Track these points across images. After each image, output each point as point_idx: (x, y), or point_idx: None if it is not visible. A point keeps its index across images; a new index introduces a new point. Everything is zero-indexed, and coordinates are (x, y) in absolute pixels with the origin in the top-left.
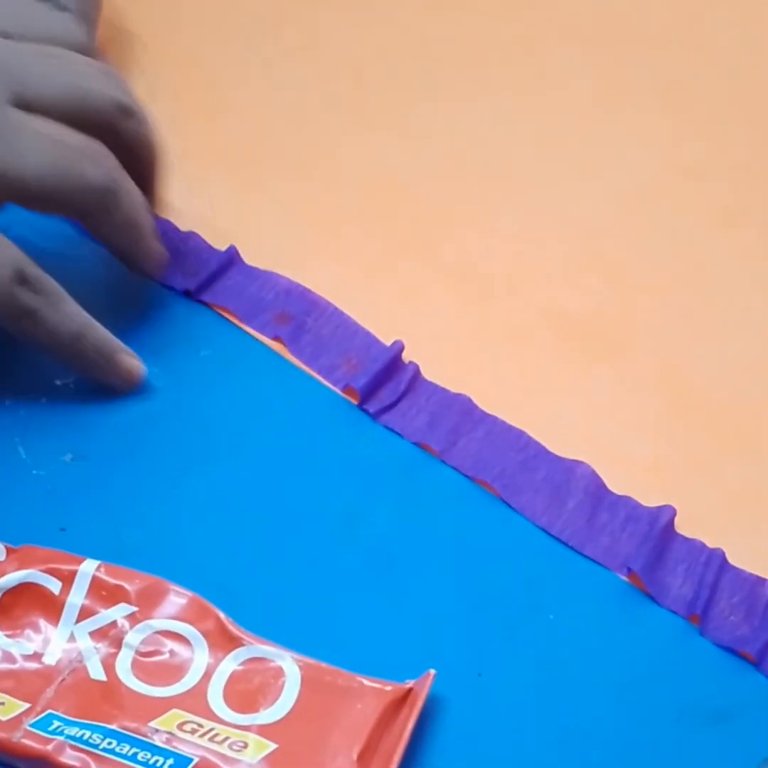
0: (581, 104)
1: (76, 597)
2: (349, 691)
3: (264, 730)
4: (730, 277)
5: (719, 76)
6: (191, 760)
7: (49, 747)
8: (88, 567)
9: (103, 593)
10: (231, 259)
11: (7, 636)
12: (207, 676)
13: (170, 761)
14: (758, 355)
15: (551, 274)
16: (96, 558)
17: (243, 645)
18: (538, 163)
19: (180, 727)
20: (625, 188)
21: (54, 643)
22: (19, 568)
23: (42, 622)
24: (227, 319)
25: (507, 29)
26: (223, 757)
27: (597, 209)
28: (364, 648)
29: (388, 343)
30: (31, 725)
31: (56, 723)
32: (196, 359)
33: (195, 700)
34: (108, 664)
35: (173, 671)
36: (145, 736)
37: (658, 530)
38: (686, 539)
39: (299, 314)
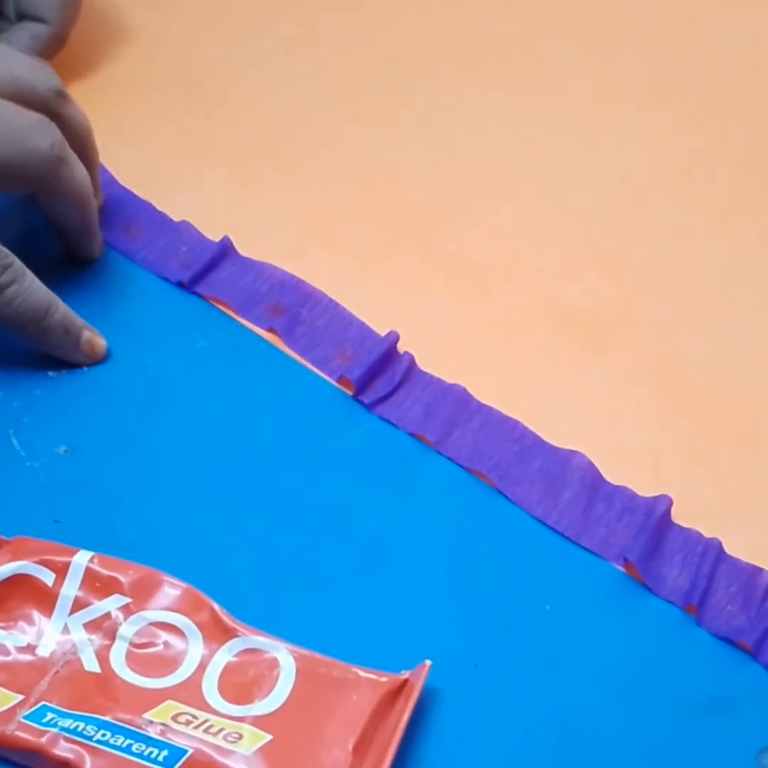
0: (579, 98)
1: (70, 589)
2: (344, 682)
3: (259, 722)
4: (726, 269)
5: (716, 71)
6: (186, 751)
7: (43, 739)
8: (82, 558)
9: (96, 585)
10: (225, 250)
11: (1, 628)
12: (201, 667)
13: (165, 753)
14: (754, 347)
15: (548, 266)
16: (90, 549)
17: (237, 636)
18: (536, 157)
19: (174, 718)
20: (622, 182)
21: (48, 635)
22: (12, 560)
23: (36, 614)
24: (222, 311)
25: (504, 23)
26: (217, 748)
27: (594, 202)
28: (359, 639)
29: (383, 334)
30: (25, 717)
31: (50, 715)
32: (191, 351)
33: (189, 692)
34: (102, 656)
35: (167, 663)
36: (140, 727)
37: (655, 520)
38: (683, 529)
39: (294, 306)
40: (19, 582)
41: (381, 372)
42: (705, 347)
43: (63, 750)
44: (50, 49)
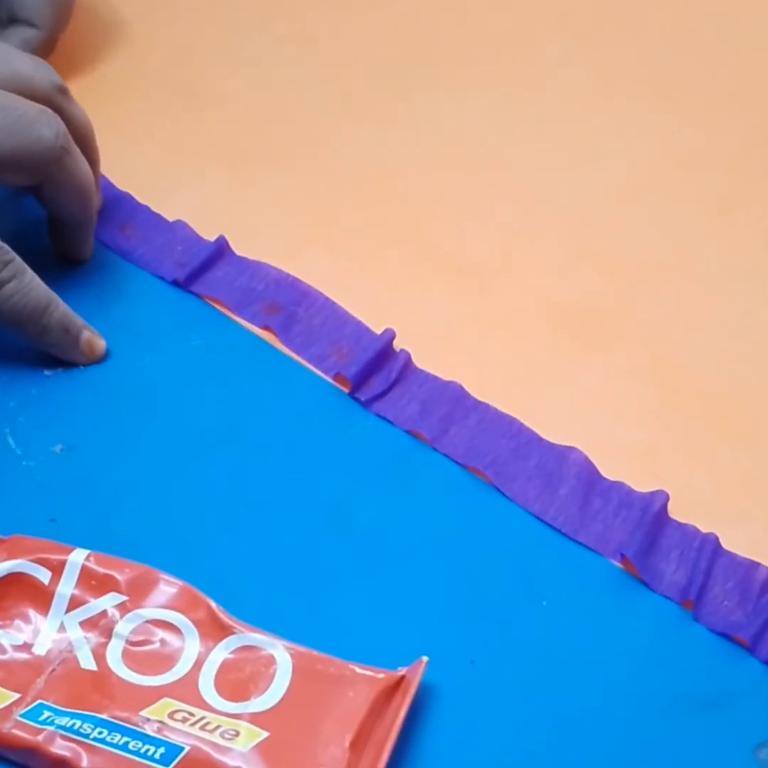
0: (575, 94)
1: (66, 587)
2: (341, 679)
3: (256, 719)
4: (723, 266)
5: (715, 69)
6: (182, 748)
7: (40, 737)
8: (78, 557)
9: (92, 583)
10: (220, 249)
11: None
12: (198, 664)
13: (161, 750)
14: (750, 343)
15: (545, 264)
16: (87, 548)
17: (234, 633)
18: (532, 154)
19: (171, 716)
20: (619, 178)
21: (44, 633)
22: (8, 559)
23: (32, 612)
24: (217, 310)
25: (501, 19)
26: (214, 745)
27: (591, 199)
28: (356, 635)
29: (379, 332)
30: (22, 716)
31: (47, 713)
32: (187, 349)
33: (186, 689)
34: (98, 654)
35: (164, 660)
36: (137, 725)
37: (651, 516)
38: (679, 525)
39: (290, 304)
40: (15, 580)
41: (377, 369)
42: (702, 344)
43: (60, 748)
44: (40, 53)
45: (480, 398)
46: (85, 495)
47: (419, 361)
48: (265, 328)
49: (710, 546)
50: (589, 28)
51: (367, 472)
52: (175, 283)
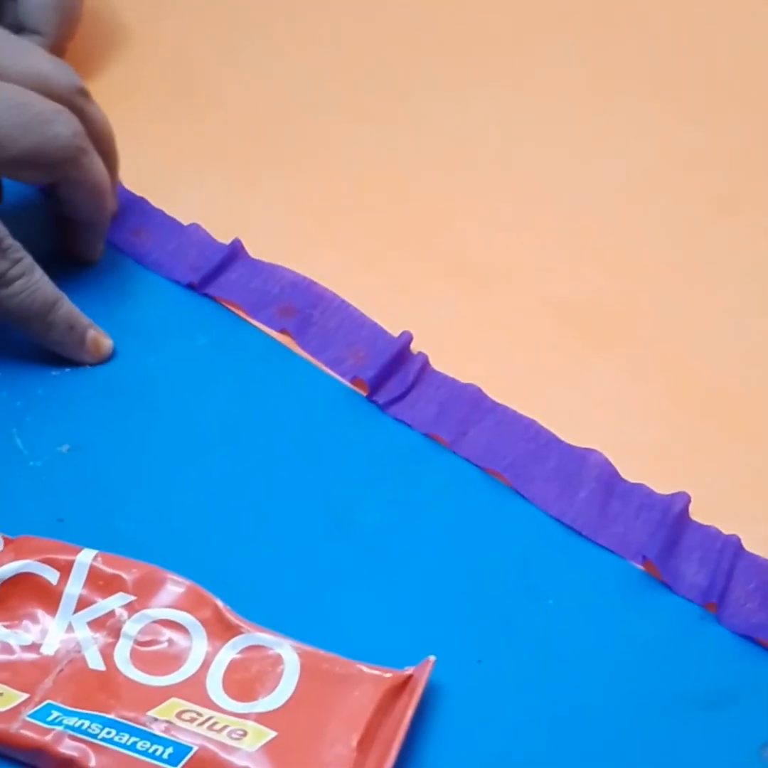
0: (578, 93)
1: (74, 587)
2: (348, 679)
3: (263, 718)
4: (729, 263)
5: (715, 65)
6: (190, 748)
7: (48, 737)
8: (85, 557)
9: (100, 583)
10: (235, 252)
11: (5, 627)
12: (205, 664)
13: (169, 750)
14: (760, 340)
15: (553, 264)
16: (93, 548)
17: (241, 633)
18: (537, 153)
19: (179, 716)
20: (623, 177)
21: (52, 633)
22: (16, 559)
23: (40, 613)
24: (230, 311)
25: (503, 19)
26: (222, 745)
27: (596, 198)
28: (364, 634)
29: (394, 334)
30: (30, 716)
31: (55, 713)
32: (201, 351)
33: (194, 689)
34: (106, 654)
35: (171, 660)
36: (144, 725)
37: (673, 518)
38: (701, 526)
39: (305, 307)
40: (23, 581)
41: (394, 372)
42: (718, 342)
43: (68, 748)
44: None
45: (496, 399)
46: (91, 495)
47: (435, 364)
48: (282, 331)
49: (732, 548)
50: (591, 27)
51: (385, 475)
52: (190, 287)
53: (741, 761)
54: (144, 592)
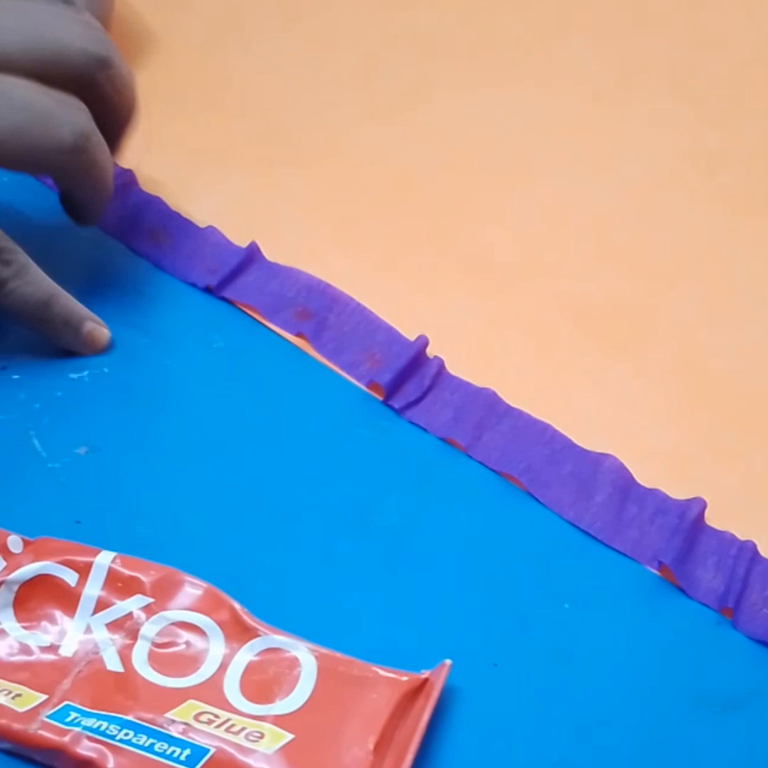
0: (597, 94)
1: (92, 589)
2: (364, 681)
3: (280, 721)
4: (748, 265)
5: (737, 65)
6: (208, 750)
7: (66, 738)
8: (104, 559)
9: (118, 585)
10: (252, 255)
11: (24, 628)
12: (223, 666)
13: (187, 752)
14: None
15: (571, 267)
16: (111, 549)
17: (258, 635)
18: (556, 154)
19: (196, 717)
20: (642, 178)
21: (70, 634)
22: (34, 560)
23: (58, 614)
24: (246, 314)
25: (520, 19)
26: (239, 747)
27: (616, 200)
28: (379, 637)
29: (410, 337)
30: (48, 716)
31: (73, 714)
32: (218, 354)
33: (211, 691)
34: (124, 656)
35: (189, 662)
36: (162, 726)
37: (688, 523)
38: (716, 531)
39: (321, 310)
40: (41, 582)
41: (410, 376)
42: (737, 346)
43: (86, 749)
44: None
45: (512, 404)
46: (109, 497)
47: (449, 366)
48: (298, 334)
49: (748, 553)
50: (610, 26)
51: (400, 478)
52: (207, 290)
53: (758, 766)
54: (162, 594)
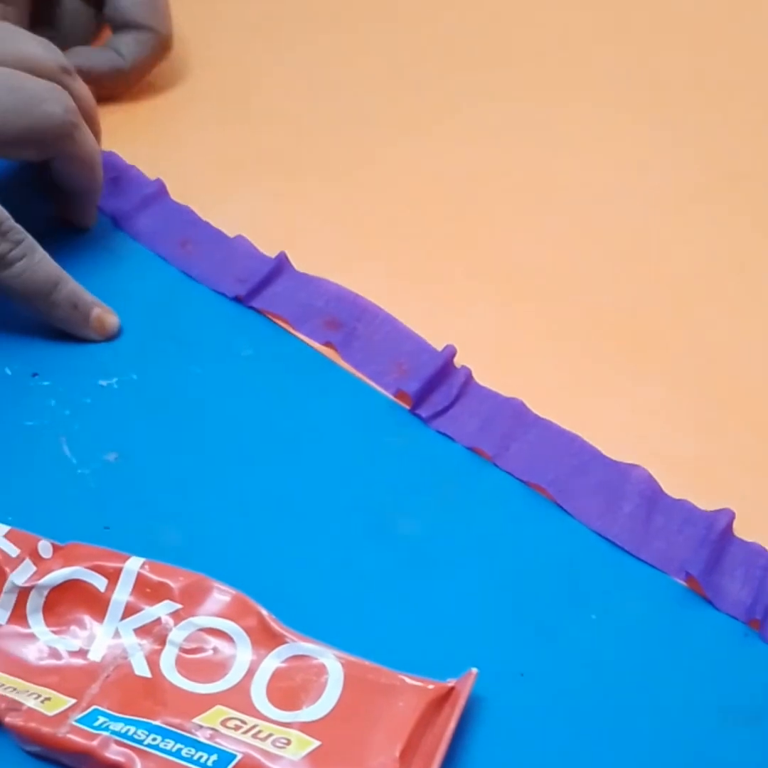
0: (625, 105)
1: (121, 594)
2: (391, 689)
3: (307, 728)
4: None
5: (761, 77)
6: (235, 756)
7: (95, 742)
8: (133, 564)
9: (147, 590)
10: (281, 265)
11: (53, 632)
12: (250, 673)
13: (214, 757)
14: None
15: (598, 277)
16: (140, 555)
17: (285, 642)
18: (583, 166)
19: (223, 723)
20: (669, 189)
21: (99, 639)
22: (64, 566)
23: (87, 619)
24: (274, 323)
25: (550, 33)
26: (266, 753)
27: (641, 211)
28: (406, 645)
29: (437, 347)
30: (77, 720)
31: (101, 719)
32: (246, 362)
33: (238, 697)
34: (152, 661)
35: (216, 668)
36: (189, 732)
37: (716, 534)
38: (744, 543)
39: (350, 320)
40: (71, 587)
41: (438, 386)
42: (762, 355)
43: (114, 753)
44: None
45: (539, 413)
46: (138, 503)
47: (477, 375)
48: (326, 344)
49: None
50: (636, 39)
51: (428, 487)
52: (236, 300)
53: None
54: (190, 600)
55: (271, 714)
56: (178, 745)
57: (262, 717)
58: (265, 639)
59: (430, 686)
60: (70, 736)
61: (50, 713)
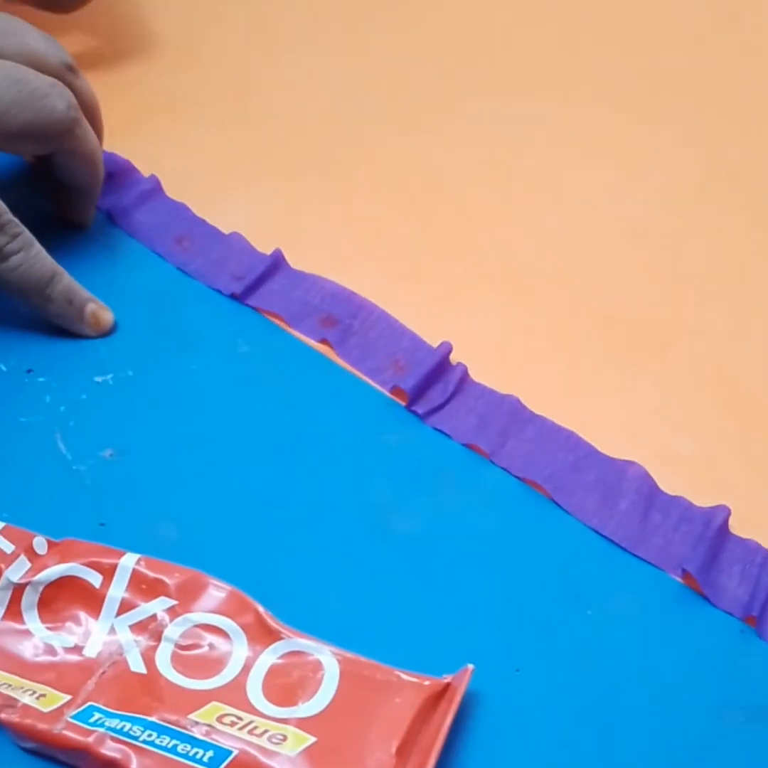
0: (624, 105)
1: (117, 590)
2: (387, 685)
3: (303, 724)
4: None
5: (761, 76)
6: (230, 752)
7: (90, 739)
8: (129, 561)
9: (143, 587)
10: (276, 262)
11: (49, 628)
12: (246, 669)
13: (210, 753)
14: None
15: (596, 275)
16: (135, 552)
17: (282, 638)
18: (582, 165)
19: (219, 719)
20: (669, 189)
21: (95, 635)
22: (60, 562)
23: (83, 615)
24: (270, 320)
25: (548, 31)
26: (262, 749)
27: (641, 210)
28: (402, 642)
29: (434, 344)
30: (73, 717)
31: (97, 715)
32: (243, 359)
33: (234, 693)
34: (148, 657)
35: (212, 664)
36: (185, 728)
37: (713, 531)
38: (741, 540)
39: (346, 317)
40: (67, 583)
41: (434, 382)
42: (758, 354)
43: (110, 749)
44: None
45: (536, 411)
46: (133, 499)
47: (473, 373)
48: (322, 341)
49: None
50: (638, 39)
51: (424, 483)
52: (233, 297)
53: None
54: (186, 596)
55: (267, 710)
56: (174, 742)
57: (259, 713)
58: (261, 635)
59: (427, 682)
60: (66, 732)
61: (46, 710)
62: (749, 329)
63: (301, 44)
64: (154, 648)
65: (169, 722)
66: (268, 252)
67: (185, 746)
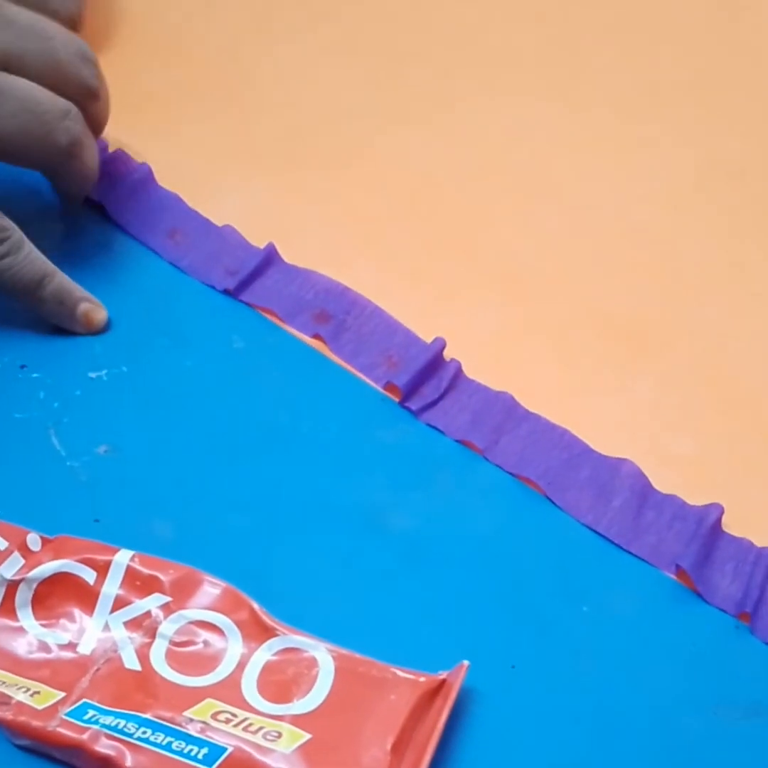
0: (621, 103)
1: (111, 587)
2: (382, 682)
3: (298, 721)
4: None
5: (758, 74)
6: (225, 749)
7: (85, 736)
8: (123, 557)
9: (137, 583)
10: (270, 257)
11: (43, 625)
12: (241, 666)
13: (204, 750)
14: None
15: (594, 273)
16: (130, 548)
17: (277, 635)
18: (579, 162)
19: (214, 716)
20: (666, 187)
21: (89, 632)
22: (54, 559)
23: (77, 612)
24: (264, 316)
25: (544, 28)
26: (257, 746)
27: (638, 208)
28: (397, 638)
29: (428, 341)
30: (67, 714)
31: (91, 712)
32: (237, 355)
33: (229, 690)
34: (142, 654)
35: (207, 661)
36: (180, 725)
37: (706, 529)
38: (734, 538)
39: (339, 313)
40: (61, 580)
41: (428, 378)
42: (752, 353)
43: (104, 747)
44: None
45: (530, 408)
46: (128, 496)
47: (468, 371)
48: (315, 336)
49: (765, 560)
50: (635, 35)
51: (417, 480)
52: (226, 293)
53: None
54: (180, 593)
55: (262, 707)
56: (169, 739)
57: (253, 710)
58: (256, 632)
59: (422, 679)
60: (60, 729)
61: (40, 707)
62: (745, 329)
63: (297, 37)
64: (149, 645)
65: (163, 719)
66: (262, 245)
67: (180, 743)
